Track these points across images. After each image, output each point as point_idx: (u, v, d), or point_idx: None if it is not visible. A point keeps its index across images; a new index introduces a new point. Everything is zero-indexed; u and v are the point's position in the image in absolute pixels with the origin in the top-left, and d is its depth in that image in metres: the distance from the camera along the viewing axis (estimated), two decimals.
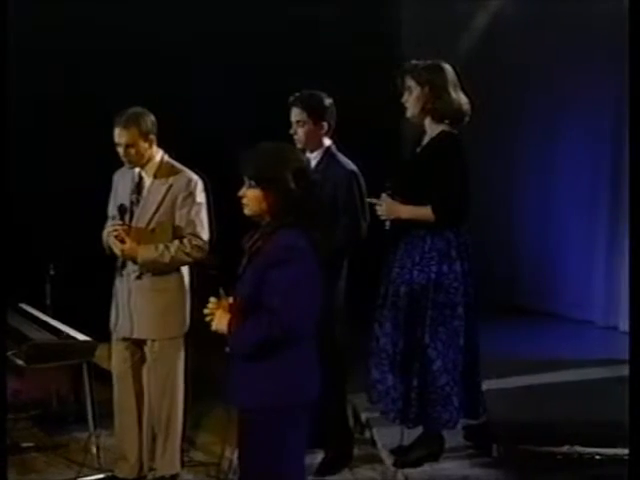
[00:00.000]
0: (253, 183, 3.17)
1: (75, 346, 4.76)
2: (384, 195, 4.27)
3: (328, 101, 4.50)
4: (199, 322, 4.50)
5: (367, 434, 4.80)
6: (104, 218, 4.73)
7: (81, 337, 4.80)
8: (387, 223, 4.33)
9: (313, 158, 4.32)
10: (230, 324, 3.15)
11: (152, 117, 4.47)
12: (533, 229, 7.91)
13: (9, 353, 4.71)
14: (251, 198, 3.18)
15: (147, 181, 4.51)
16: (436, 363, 4.18)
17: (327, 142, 4.51)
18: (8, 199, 4.73)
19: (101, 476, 4.76)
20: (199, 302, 3.36)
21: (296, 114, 4.48)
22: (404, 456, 4.31)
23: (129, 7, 7.22)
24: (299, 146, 4.42)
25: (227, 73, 7.53)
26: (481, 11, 7.80)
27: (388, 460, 4.42)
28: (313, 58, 7.86)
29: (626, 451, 4.17)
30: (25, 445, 5.13)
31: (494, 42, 7.77)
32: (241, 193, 3.21)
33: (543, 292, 7.80)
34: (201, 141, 6.93)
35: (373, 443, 4.71)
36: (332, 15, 7.91)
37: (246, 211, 3.22)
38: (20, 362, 4.72)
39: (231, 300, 3.21)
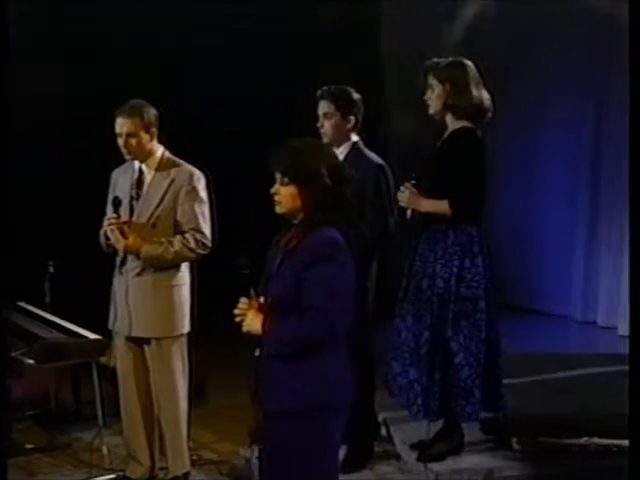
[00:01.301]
0: (287, 180, 3.11)
1: (86, 345, 4.74)
2: (408, 184, 4.31)
3: (356, 95, 4.53)
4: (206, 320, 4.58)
5: (382, 431, 4.82)
6: (103, 216, 4.68)
7: (92, 336, 4.75)
8: (408, 212, 4.36)
9: (340, 153, 4.30)
10: (264, 324, 3.09)
11: (154, 110, 4.44)
12: (512, 226, 8.02)
13: (17, 353, 4.66)
14: (285, 195, 3.12)
15: (148, 176, 4.47)
16: (458, 356, 4.23)
17: (354, 137, 4.52)
18: (7, 197, 4.65)
19: (112, 476, 4.73)
20: (231, 303, 3.28)
21: (324, 107, 4.49)
22: (426, 451, 4.34)
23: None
24: (325, 140, 4.44)
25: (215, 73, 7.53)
26: (462, 11, 7.87)
27: (410, 455, 4.45)
28: (292, 58, 7.90)
29: None
30: (29, 446, 5.06)
31: (474, 42, 7.84)
32: (274, 190, 3.15)
33: (522, 288, 7.92)
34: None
35: (389, 439, 4.74)
36: (313, 14, 7.92)
37: (278, 209, 3.16)
38: (30, 361, 4.67)
39: (262, 300, 3.14)
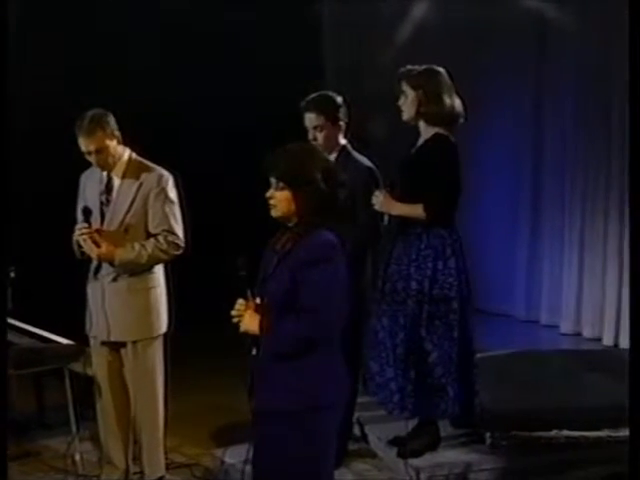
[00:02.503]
0: (282, 185, 3.24)
1: (60, 350, 4.77)
2: (383, 190, 4.47)
3: (340, 100, 4.64)
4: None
5: (355, 430, 4.97)
6: (65, 219, 4.72)
7: (65, 341, 4.79)
8: (385, 218, 4.53)
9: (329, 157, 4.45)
10: (261, 325, 3.21)
11: (111, 115, 4.45)
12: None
13: None
14: (280, 199, 3.24)
15: (117, 181, 4.50)
16: (432, 355, 4.41)
17: (343, 141, 4.63)
18: None
19: None
20: (228, 304, 3.41)
21: (312, 120, 4.56)
22: (405, 447, 4.51)
23: None
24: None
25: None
26: (403, 15, 8.09)
27: (387, 452, 4.62)
28: (232, 62, 8.03)
29: (608, 433, 4.57)
30: None
31: (415, 45, 8.07)
32: (269, 194, 3.28)
33: None
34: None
35: (363, 438, 4.89)
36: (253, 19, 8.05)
37: (274, 212, 3.29)
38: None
39: (258, 301, 3.27)
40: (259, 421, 3.35)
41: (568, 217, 7.68)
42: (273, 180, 3.27)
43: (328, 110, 4.59)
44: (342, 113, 4.63)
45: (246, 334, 3.27)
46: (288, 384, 3.22)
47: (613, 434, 4.62)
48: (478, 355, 4.64)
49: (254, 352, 3.29)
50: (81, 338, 4.76)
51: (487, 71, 7.89)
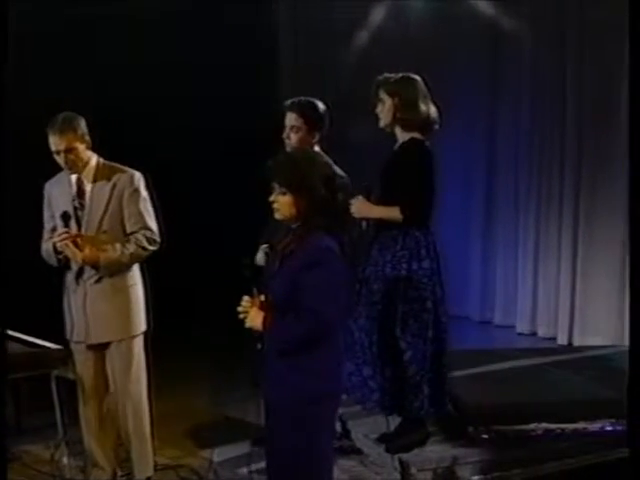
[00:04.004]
0: (284, 190, 3.53)
1: (48, 355, 4.84)
2: (359, 196, 4.72)
3: (324, 109, 4.90)
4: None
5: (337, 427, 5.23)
6: (33, 224, 4.88)
7: (52, 346, 4.91)
8: (363, 224, 4.81)
9: None
10: (264, 321, 3.50)
11: (83, 119, 4.64)
12: None
13: None
14: (282, 204, 3.54)
15: (88, 185, 4.67)
16: (407, 354, 4.70)
17: (316, 148, 4.89)
18: None
19: None
20: (234, 301, 3.67)
21: (292, 119, 4.85)
22: (393, 443, 4.80)
23: None
24: (288, 150, 4.81)
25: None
26: (361, 17, 8.40)
27: (373, 448, 4.89)
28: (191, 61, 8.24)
29: (584, 425, 4.94)
30: None
31: (373, 47, 8.38)
32: (272, 199, 3.57)
33: None
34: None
35: (346, 435, 5.16)
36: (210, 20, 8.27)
37: (277, 215, 3.59)
38: None
39: (262, 298, 3.56)
40: (267, 413, 3.69)
41: (522, 218, 8.06)
42: (276, 185, 3.56)
43: (309, 114, 4.86)
44: (321, 121, 4.90)
45: (251, 330, 3.55)
46: (289, 378, 3.53)
47: (589, 426, 4.97)
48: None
49: (259, 347, 3.60)
50: (60, 343, 4.93)
51: (442, 73, 8.19)
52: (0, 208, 4.55)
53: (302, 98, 4.92)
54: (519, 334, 7.97)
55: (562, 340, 7.61)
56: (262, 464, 4.24)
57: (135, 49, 7.90)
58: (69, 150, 4.56)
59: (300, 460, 3.57)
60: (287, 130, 4.88)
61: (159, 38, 8.01)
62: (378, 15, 8.40)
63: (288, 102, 4.92)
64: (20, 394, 5.66)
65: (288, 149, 4.83)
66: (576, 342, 7.51)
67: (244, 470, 4.90)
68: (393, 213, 4.69)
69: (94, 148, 4.69)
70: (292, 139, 4.86)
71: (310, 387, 3.53)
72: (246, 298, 3.55)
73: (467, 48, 8.15)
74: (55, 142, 4.56)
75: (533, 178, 7.95)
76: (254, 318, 3.52)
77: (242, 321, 3.55)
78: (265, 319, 3.50)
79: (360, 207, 4.72)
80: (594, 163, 7.45)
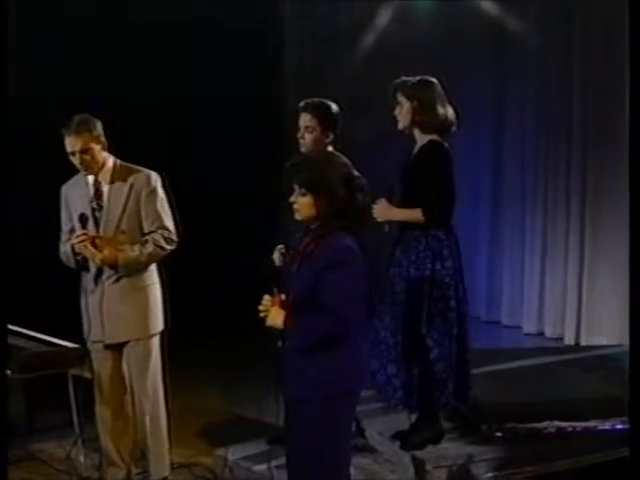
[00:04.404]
0: (303, 191, 3.64)
1: (66, 354, 4.96)
2: (382, 199, 4.83)
3: (337, 110, 5.00)
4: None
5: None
6: (48, 227, 4.97)
7: (70, 345, 5.01)
8: (386, 227, 4.90)
9: None
10: (286, 320, 3.60)
11: (100, 122, 4.73)
12: None
13: None
14: (303, 204, 3.64)
15: (105, 186, 4.75)
16: (433, 352, 4.81)
17: (329, 148, 4.99)
18: None
19: None
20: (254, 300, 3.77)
21: (306, 120, 4.95)
22: (408, 440, 4.90)
23: None
24: (303, 150, 4.92)
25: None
26: (366, 18, 8.50)
27: (388, 446, 4.99)
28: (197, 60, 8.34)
29: (595, 423, 5.05)
30: None
31: (377, 50, 8.49)
32: (292, 199, 3.68)
33: None
34: None
35: (360, 433, 5.25)
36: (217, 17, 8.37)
37: (297, 216, 3.69)
38: (6, 372, 4.87)
39: (283, 297, 3.65)
40: (287, 410, 3.80)
41: (529, 218, 8.16)
42: (295, 187, 3.66)
43: (323, 115, 4.97)
44: (335, 121, 5.01)
45: (272, 328, 3.65)
46: (310, 375, 3.63)
47: (599, 424, 5.08)
48: None
49: (279, 344, 3.70)
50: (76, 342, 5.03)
51: (447, 75, 8.29)
52: (4, 210, 4.58)
53: (315, 99, 5.03)
54: (526, 334, 8.06)
55: (569, 340, 7.71)
56: (281, 461, 4.38)
57: (146, 52, 7.99)
58: (84, 151, 4.64)
59: (318, 456, 3.67)
60: (301, 131, 4.98)
61: (168, 41, 8.10)
62: (383, 16, 8.48)
63: (302, 103, 5.02)
64: (33, 393, 5.75)
65: (302, 149, 4.94)
66: (583, 342, 7.62)
67: (259, 468, 5.01)
68: (415, 215, 4.80)
69: (110, 150, 4.78)
70: (306, 139, 4.95)
71: (329, 384, 3.63)
72: (266, 297, 3.65)
73: (473, 49, 8.25)
74: (71, 143, 4.64)
75: (539, 179, 8.05)
76: (275, 316, 3.61)
77: (253, 320, 3.66)
78: (286, 317, 3.60)
79: (383, 210, 4.83)
80: (600, 164, 7.55)
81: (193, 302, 7.30)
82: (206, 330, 7.56)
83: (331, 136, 4.99)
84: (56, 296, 5.72)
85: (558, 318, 7.88)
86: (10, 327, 5.25)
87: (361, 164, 4.85)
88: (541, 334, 8.01)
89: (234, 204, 8.43)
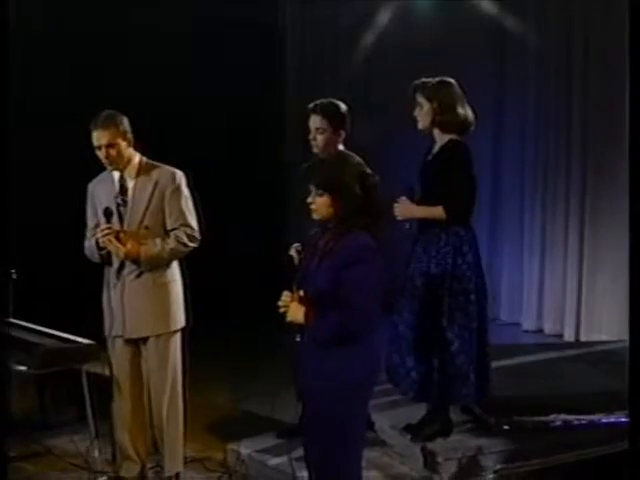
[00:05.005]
0: (321, 191, 3.83)
1: (81, 350, 5.11)
2: (402, 197, 5.01)
3: (345, 109, 5.18)
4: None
5: None
6: (65, 222, 5.12)
7: (85, 341, 5.15)
8: (407, 225, 5.07)
9: None
10: (306, 315, 3.79)
11: (126, 118, 4.91)
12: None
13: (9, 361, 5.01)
14: (320, 205, 3.85)
15: (130, 182, 4.92)
16: (454, 344, 4.98)
17: (340, 147, 5.17)
18: None
19: (104, 478, 5.17)
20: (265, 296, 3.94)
21: (316, 121, 5.12)
22: (419, 432, 5.07)
23: None
24: (316, 151, 5.09)
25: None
26: (367, 17, 8.67)
27: (397, 439, 5.16)
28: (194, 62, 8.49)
29: (600, 416, 5.23)
30: (12, 454, 5.40)
31: (377, 52, 8.65)
32: (310, 200, 3.87)
33: None
34: None
35: (369, 426, 5.40)
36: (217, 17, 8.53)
37: (315, 216, 3.89)
38: (22, 368, 5.03)
39: (302, 293, 3.85)
40: (304, 399, 4.00)
41: (528, 216, 8.34)
42: (313, 188, 3.87)
43: (333, 116, 5.14)
44: (344, 122, 5.18)
45: (291, 323, 3.85)
46: (325, 367, 3.83)
47: (605, 417, 5.26)
48: None
49: (298, 339, 3.89)
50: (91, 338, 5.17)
51: (448, 74, 8.41)
52: (5, 208, 4.69)
53: (324, 100, 5.19)
54: (525, 331, 8.24)
55: (569, 337, 7.88)
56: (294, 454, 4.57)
57: (146, 53, 8.14)
58: (110, 145, 4.80)
59: (333, 446, 3.86)
60: (313, 132, 5.14)
61: (168, 41, 8.26)
62: (383, 16, 8.64)
63: (311, 105, 5.18)
64: (45, 389, 5.89)
65: (315, 150, 5.11)
66: (582, 339, 7.79)
67: (275, 461, 5.16)
68: (437, 212, 4.96)
69: (137, 147, 4.94)
70: (318, 140, 5.12)
71: (344, 376, 3.82)
72: (286, 293, 3.85)
73: (473, 49, 8.40)
74: (97, 137, 4.81)
75: (539, 177, 8.22)
76: (295, 312, 3.81)
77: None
78: (305, 313, 3.79)
79: (404, 209, 5.01)
80: (600, 162, 7.73)
81: (205, 298, 7.49)
82: (217, 326, 7.65)
83: (342, 135, 5.15)
84: (71, 293, 5.85)
85: (557, 315, 8.05)
86: (25, 324, 5.43)
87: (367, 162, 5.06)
88: (540, 331, 8.18)
89: (241, 201, 8.58)
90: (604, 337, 7.56)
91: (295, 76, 9.22)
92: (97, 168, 4.99)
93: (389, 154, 8.08)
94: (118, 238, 4.80)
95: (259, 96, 8.74)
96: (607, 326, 7.67)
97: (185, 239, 4.89)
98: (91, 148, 4.85)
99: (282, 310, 3.84)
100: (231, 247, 8.22)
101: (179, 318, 5.03)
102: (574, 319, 7.89)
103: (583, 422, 5.25)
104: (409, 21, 8.49)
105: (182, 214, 4.91)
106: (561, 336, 7.97)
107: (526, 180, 8.36)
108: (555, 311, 8.08)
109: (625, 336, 7.21)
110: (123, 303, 4.92)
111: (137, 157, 4.95)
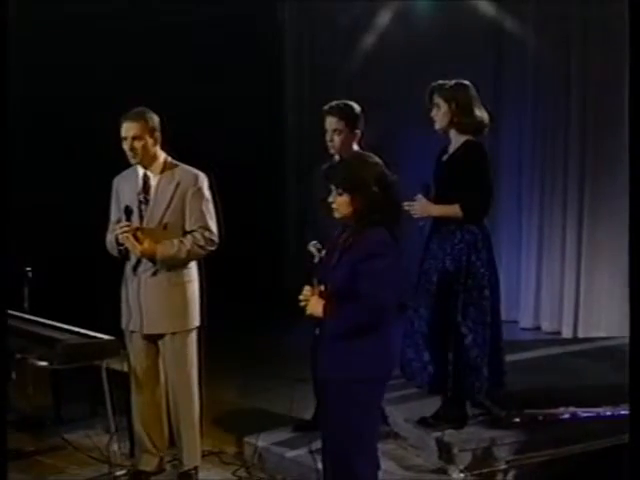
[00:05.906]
0: (340, 191, 4.08)
1: (102, 346, 5.28)
2: (419, 195, 5.24)
3: (360, 110, 5.43)
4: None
5: None
6: (81, 220, 5.31)
7: (105, 337, 5.33)
8: (421, 222, 5.31)
9: None
10: (325, 309, 4.03)
11: (157, 117, 5.11)
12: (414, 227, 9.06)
13: (32, 356, 5.20)
14: (340, 204, 4.09)
15: (153, 180, 5.11)
16: (468, 338, 5.21)
17: (355, 147, 5.41)
18: None
19: (124, 472, 5.37)
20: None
21: (332, 123, 5.38)
22: (433, 425, 5.31)
23: None
24: (333, 152, 5.34)
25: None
26: (366, 18, 8.88)
27: (412, 432, 5.39)
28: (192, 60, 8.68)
29: (608, 409, 5.48)
30: (30, 449, 5.59)
31: (376, 53, 8.86)
32: (331, 199, 4.12)
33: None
34: None
35: (383, 420, 5.62)
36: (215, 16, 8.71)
37: (335, 214, 4.14)
38: (43, 364, 5.21)
39: (322, 288, 4.09)
40: (322, 389, 4.28)
41: (525, 215, 8.56)
42: (333, 187, 4.11)
43: (348, 117, 5.40)
44: (359, 122, 5.44)
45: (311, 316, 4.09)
46: (346, 359, 4.07)
47: (612, 410, 5.51)
48: None
49: (317, 332, 4.14)
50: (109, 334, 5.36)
51: (446, 73, 8.60)
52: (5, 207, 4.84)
53: (338, 102, 5.45)
54: (523, 329, 8.46)
55: (567, 335, 8.09)
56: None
57: (146, 53, 8.31)
58: (136, 137, 5.00)
59: (349, 436, 4.11)
60: (329, 133, 5.39)
61: (168, 42, 8.44)
62: (383, 16, 8.84)
63: (327, 107, 5.44)
64: (59, 385, 6.07)
65: (332, 151, 5.35)
66: (580, 336, 8.03)
67: (289, 454, 5.38)
68: (454, 210, 5.19)
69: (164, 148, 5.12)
70: (335, 141, 5.37)
71: (360, 369, 4.06)
72: (307, 288, 4.09)
73: (472, 49, 8.57)
74: (125, 128, 5.02)
75: (536, 176, 8.42)
76: (315, 306, 4.05)
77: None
78: (325, 307, 4.02)
79: (422, 207, 5.24)
80: (598, 161, 7.95)
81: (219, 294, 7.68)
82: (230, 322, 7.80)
83: (358, 135, 5.39)
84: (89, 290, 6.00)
85: (555, 313, 8.26)
86: (44, 320, 5.61)
87: None
88: (537, 329, 8.40)
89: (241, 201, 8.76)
90: (602, 334, 7.78)
91: (295, 76, 9.41)
92: (116, 167, 5.20)
93: (389, 154, 8.23)
94: (136, 236, 4.99)
95: (259, 96, 8.91)
96: (605, 324, 7.88)
97: (202, 242, 5.06)
98: (107, 148, 5.04)
99: (302, 304, 4.09)
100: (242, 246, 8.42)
101: (194, 317, 5.21)
102: (572, 317, 8.09)
103: (590, 415, 5.48)
104: (409, 21, 8.69)
105: (202, 216, 5.08)
106: (559, 334, 8.17)
107: (524, 177, 8.55)
108: (552, 309, 8.28)
109: (623, 333, 7.50)
110: (139, 299, 5.11)
111: (162, 156, 5.14)
